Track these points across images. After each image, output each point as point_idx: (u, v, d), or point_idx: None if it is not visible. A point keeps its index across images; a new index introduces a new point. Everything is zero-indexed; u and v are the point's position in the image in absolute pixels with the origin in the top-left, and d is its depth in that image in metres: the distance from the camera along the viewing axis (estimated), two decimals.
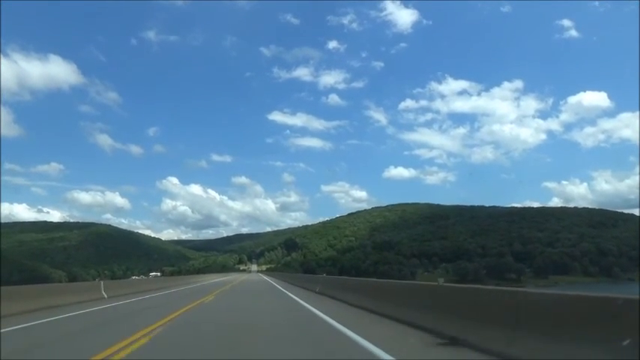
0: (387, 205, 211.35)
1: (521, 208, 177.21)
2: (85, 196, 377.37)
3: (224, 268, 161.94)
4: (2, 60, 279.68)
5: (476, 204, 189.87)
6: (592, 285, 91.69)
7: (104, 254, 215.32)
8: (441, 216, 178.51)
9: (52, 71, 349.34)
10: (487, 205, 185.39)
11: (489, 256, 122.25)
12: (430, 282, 12.67)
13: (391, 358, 4.91)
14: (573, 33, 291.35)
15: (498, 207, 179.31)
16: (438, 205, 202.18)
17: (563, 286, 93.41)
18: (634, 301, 3.20)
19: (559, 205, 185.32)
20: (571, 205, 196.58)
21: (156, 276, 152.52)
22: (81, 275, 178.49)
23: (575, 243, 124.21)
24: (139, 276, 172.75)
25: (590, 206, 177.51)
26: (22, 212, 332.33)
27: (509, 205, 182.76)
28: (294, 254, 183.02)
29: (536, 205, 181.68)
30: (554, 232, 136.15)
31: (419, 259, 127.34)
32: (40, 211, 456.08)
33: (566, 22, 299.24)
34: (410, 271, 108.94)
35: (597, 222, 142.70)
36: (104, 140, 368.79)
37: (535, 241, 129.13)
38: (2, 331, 7.46)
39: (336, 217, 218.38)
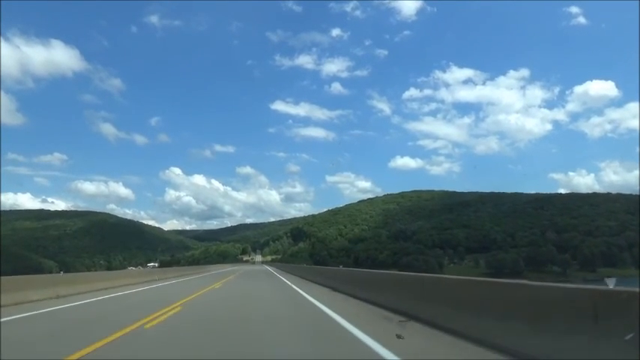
0: (401, 192, 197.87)
1: (548, 194, 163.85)
2: (89, 186, 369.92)
3: (226, 259, 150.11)
4: (3, 44, 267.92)
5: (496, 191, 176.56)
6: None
7: (102, 243, 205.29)
8: (459, 203, 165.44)
9: (55, 57, 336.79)
10: (508, 191, 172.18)
11: (520, 247, 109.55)
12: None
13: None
14: (582, 20, 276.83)
15: (522, 193, 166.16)
16: (455, 192, 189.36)
17: (617, 281, 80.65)
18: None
19: (591, 191, 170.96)
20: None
21: (154, 266, 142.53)
22: (74, 266, 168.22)
23: (618, 231, 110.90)
24: (136, 267, 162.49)
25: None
26: (27, 202, 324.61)
27: (534, 192, 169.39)
28: (302, 244, 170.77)
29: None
30: (590, 219, 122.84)
31: (442, 249, 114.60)
32: (44, 201, 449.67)
33: (575, 9, 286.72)
34: (437, 263, 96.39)
35: (637, 208, 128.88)
36: (108, 129, 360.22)
37: (571, 229, 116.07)
38: None
39: (346, 205, 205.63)
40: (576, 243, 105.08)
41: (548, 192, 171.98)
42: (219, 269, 54.50)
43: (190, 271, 39.06)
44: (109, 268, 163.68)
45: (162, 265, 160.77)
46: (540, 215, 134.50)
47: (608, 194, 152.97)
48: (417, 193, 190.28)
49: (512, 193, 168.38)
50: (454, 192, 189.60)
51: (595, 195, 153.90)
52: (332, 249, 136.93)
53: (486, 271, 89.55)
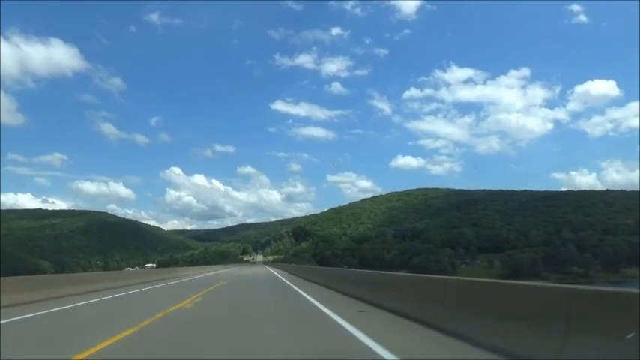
0: (406, 190, 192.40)
1: (558, 191, 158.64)
2: (89, 187, 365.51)
3: (225, 259, 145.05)
4: (3, 43, 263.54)
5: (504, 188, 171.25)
6: None
7: (101, 243, 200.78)
8: (466, 201, 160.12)
9: (55, 56, 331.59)
10: (518, 189, 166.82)
11: (536, 246, 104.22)
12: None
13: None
14: (582, 18, 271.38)
15: (532, 191, 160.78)
16: (462, 190, 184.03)
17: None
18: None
19: (604, 189, 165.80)
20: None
21: (152, 267, 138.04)
22: (70, 266, 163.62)
23: (637, 230, 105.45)
24: (133, 267, 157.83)
25: None
26: (27, 202, 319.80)
27: (544, 189, 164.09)
28: (305, 244, 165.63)
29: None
30: (607, 217, 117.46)
31: (453, 249, 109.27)
32: (45, 201, 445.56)
33: (575, 7, 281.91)
34: (450, 263, 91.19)
35: None
36: (108, 129, 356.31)
37: (587, 228, 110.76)
38: None
39: (350, 204, 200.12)
40: (594, 242, 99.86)
41: (554, 190, 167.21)
42: (204, 272, 39.46)
43: (147, 278, 24.56)
44: (106, 269, 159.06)
45: (160, 265, 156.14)
46: (553, 213, 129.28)
47: (623, 191, 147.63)
48: (423, 192, 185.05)
49: (520, 191, 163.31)
50: (461, 190, 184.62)
51: (608, 192, 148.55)
52: (336, 249, 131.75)
53: (502, 272, 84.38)
